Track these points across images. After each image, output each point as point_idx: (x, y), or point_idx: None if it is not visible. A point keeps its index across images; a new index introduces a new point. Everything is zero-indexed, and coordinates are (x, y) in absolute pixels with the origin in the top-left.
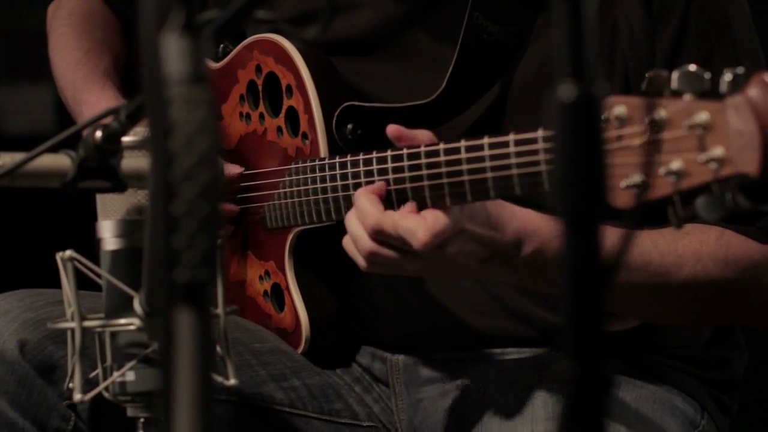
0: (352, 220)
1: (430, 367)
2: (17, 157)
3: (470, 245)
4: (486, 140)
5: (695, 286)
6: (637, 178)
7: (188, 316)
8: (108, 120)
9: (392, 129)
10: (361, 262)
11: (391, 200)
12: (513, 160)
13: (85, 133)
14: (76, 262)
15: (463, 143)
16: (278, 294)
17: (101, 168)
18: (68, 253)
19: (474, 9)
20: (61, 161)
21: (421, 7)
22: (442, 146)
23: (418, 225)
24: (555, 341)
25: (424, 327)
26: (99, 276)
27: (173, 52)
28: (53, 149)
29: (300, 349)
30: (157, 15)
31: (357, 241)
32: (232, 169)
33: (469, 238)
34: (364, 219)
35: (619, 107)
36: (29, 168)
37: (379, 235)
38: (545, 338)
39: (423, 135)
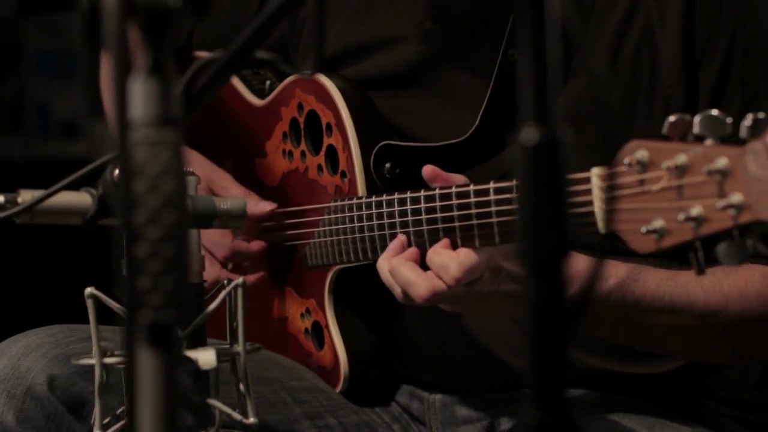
0: (397, 290)
1: (467, 406)
2: (37, 194)
3: (509, 285)
4: (515, 182)
5: (741, 326)
6: (657, 223)
7: (152, 358)
8: None
9: (427, 170)
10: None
11: (423, 241)
12: None
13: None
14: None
15: (492, 185)
16: (318, 332)
17: None
18: (89, 289)
19: (509, 45)
20: (81, 199)
21: (459, 43)
22: (472, 187)
23: (450, 260)
24: (593, 383)
25: (462, 367)
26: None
27: (140, 94)
28: (74, 186)
29: (338, 388)
30: (125, 56)
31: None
32: (266, 206)
33: (507, 277)
34: (414, 289)
35: (640, 151)
36: (49, 205)
37: (435, 297)
38: (583, 380)
39: (458, 178)
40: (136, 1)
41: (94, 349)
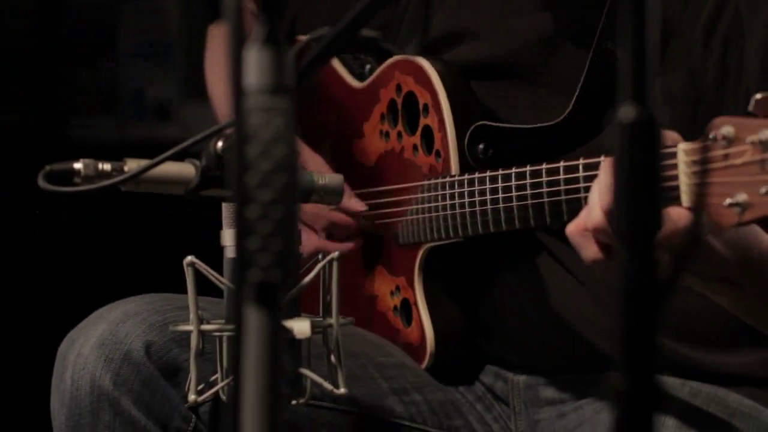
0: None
1: (551, 388)
2: (143, 163)
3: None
4: (602, 158)
5: None
6: (740, 197)
7: (258, 315)
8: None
9: None
10: None
11: (512, 217)
12: None
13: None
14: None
15: (581, 161)
16: (407, 309)
17: (224, 177)
18: (189, 258)
19: (603, 37)
20: (185, 169)
21: (554, 32)
22: (562, 164)
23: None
24: (676, 369)
25: (548, 348)
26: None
27: (254, 63)
28: (179, 157)
29: (424, 364)
30: (241, 27)
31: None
32: (357, 206)
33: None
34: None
35: (726, 127)
36: (154, 174)
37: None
38: (671, 365)
39: None
40: None
41: (192, 316)
